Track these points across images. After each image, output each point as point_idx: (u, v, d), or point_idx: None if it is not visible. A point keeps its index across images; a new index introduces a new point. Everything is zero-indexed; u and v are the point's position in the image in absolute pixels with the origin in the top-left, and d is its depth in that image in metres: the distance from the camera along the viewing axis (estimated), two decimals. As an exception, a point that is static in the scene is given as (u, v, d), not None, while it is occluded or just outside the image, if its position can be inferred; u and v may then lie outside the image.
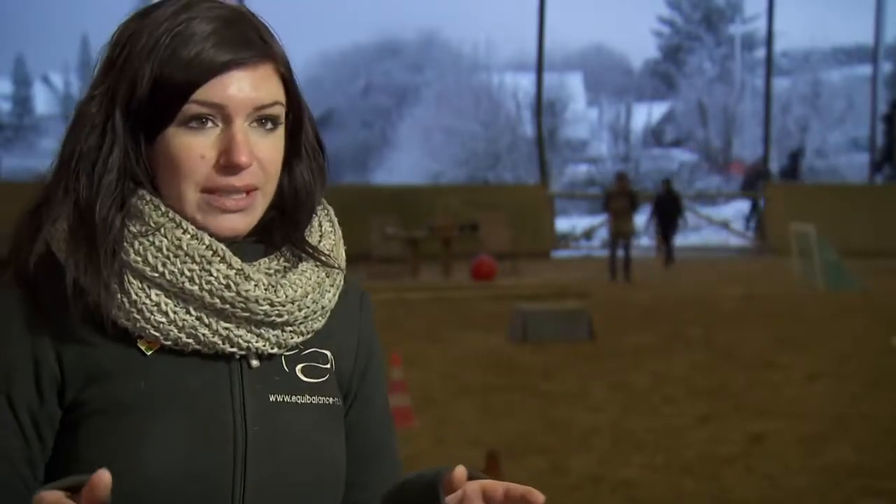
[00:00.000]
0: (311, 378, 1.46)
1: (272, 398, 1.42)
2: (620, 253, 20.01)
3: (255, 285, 1.38)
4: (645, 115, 46.41)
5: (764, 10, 31.61)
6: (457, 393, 9.50)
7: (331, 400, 1.48)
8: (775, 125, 36.42)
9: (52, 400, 1.37)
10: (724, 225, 31.99)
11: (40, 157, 46.46)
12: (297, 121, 1.45)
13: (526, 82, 37.90)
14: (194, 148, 1.38)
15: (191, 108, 1.37)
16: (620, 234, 19.99)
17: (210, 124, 1.38)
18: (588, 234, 31.98)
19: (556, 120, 43.37)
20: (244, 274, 1.39)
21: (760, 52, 40.30)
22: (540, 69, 29.93)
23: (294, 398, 1.44)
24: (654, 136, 46.82)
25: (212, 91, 1.37)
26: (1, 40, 46.29)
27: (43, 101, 50.38)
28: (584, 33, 60.14)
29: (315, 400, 1.45)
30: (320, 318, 1.46)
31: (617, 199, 19.99)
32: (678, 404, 9.03)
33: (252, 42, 1.39)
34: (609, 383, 9.92)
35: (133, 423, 1.35)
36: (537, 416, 8.61)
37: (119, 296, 1.36)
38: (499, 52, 44.63)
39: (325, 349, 1.49)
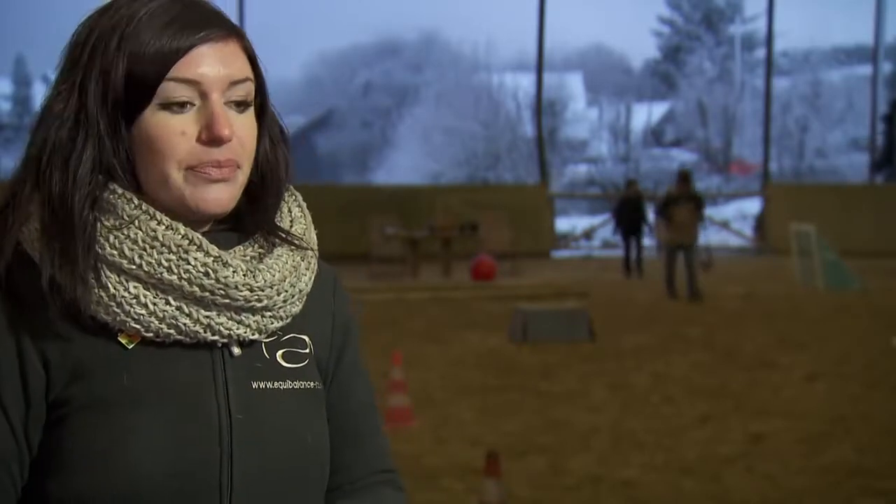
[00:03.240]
0: (291, 363, 1.48)
1: (255, 385, 1.43)
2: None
3: (234, 271, 1.39)
4: (645, 115, 46.44)
5: (764, 10, 31.59)
6: (457, 393, 9.50)
7: (312, 384, 1.49)
8: (775, 125, 36.39)
9: (39, 399, 1.37)
10: (724, 225, 32.00)
11: (40, 157, 46.41)
12: (262, 102, 1.47)
13: (526, 82, 37.91)
14: (174, 126, 1.38)
15: (167, 87, 1.38)
16: (682, 244, 16.74)
17: (188, 103, 1.39)
18: (588, 234, 32.00)
19: (556, 120, 43.39)
20: (222, 261, 1.39)
21: (760, 52, 40.30)
22: (540, 69, 29.93)
23: (276, 384, 1.45)
24: (654, 136, 46.84)
25: (185, 69, 1.38)
26: (1, 40, 46.30)
27: (43, 102, 50.30)
28: (584, 33, 60.10)
29: (297, 385, 1.47)
30: (298, 302, 1.47)
31: (679, 203, 16.81)
32: (678, 404, 9.03)
33: (216, 20, 1.41)
34: (609, 383, 9.91)
35: (118, 419, 1.35)
36: (537, 416, 8.61)
37: (97, 290, 1.36)
38: (499, 53, 44.67)
39: (304, 334, 1.50)
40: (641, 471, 7.01)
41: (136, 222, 1.38)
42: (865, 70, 39.33)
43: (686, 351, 11.71)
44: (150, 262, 1.37)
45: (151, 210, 1.39)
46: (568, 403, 9.07)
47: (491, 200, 25.37)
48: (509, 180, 41.26)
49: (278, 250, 1.46)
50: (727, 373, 10.40)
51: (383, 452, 1.61)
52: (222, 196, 1.40)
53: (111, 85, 1.38)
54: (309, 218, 1.53)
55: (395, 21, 48.46)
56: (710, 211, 34.09)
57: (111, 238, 1.38)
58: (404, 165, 42.36)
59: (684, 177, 17.57)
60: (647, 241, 23.57)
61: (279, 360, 1.47)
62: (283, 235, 1.47)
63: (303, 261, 1.48)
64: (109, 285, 1.37)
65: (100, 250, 1.37)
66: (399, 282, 19.07)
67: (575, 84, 46.57)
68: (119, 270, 1.37)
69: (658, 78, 47.97)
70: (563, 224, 32.32)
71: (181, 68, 1.38)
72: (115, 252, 1.37)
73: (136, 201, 1.39)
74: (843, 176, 41.53)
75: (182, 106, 1.38)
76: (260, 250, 1.46)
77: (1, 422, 1.36)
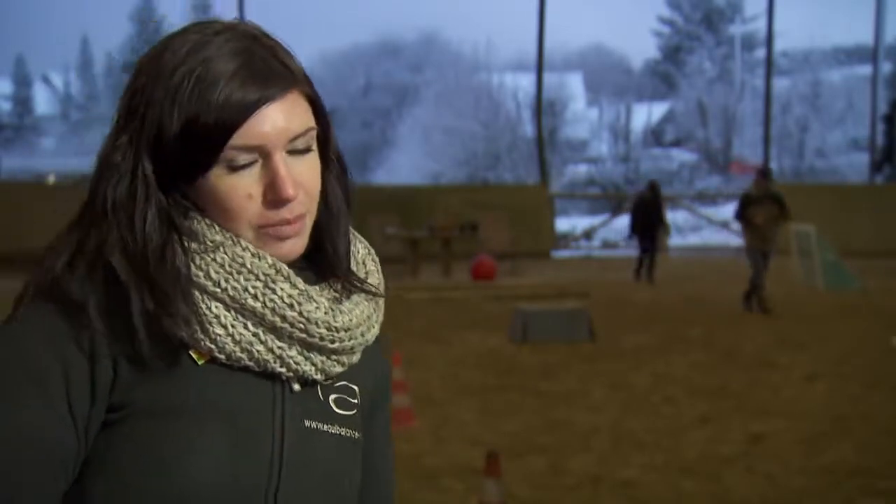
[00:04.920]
0: (342, 410, 1.48)
1: (307, 424, 1.44)
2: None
3: (318, 307, 1.40)
4: (645, 115, 46.48)
5: (764, 10, 31.64)
6: (457, 393, 9.50)
7: (356, 434, 1.49)
8: (775, 125, 36.42)
9: (103, 401, 1.36)
10: (724, 225, 32.00)
11: (40, 157, 46.45)
12: (324, 135, 1.45)
13: (526, 82, 37.93)
14: (240, 188, 1.37)
15: (229, 154, 1.36)
16: (763, 249, 15.20)
17: (251, 163, 1.37)
18: (588, 234, 32.00)
19: (556, 120, 43.43)
20: (307, 294, 1.40)
21: (760, 52, 40.33)
22: (540, 69, 29.94)
23: (326, 427, 1.45)
24: (654, 136, 46.86)
25: (248, 133, 1.35)
26: (1, 40, 46.31)
27: (43, 101, 50.38)
28: (584, 33, 60.14)
29: (343, 432, 1.47)
30: (359, 353, 1.48)
31: (759, 203, 15.06)
32: (678, 404, 9.03)
33: (276, 72, 1.37)
34: (609, 383, 9.91)
35: (177, 430, 1.36)
36: (537, 416, 8.61)
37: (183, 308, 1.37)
38: (499, 53, 44.69)
39: (354, 384, 1.51)
40: (641, 471, 7.01)
41: (222, 248, 1.38)
42: (865, 70, 39.37)
43: (686, 351, 11.71)
44: (236, 287, 1.37)
45: (236, 237, 1.39)
46: (568, 403, 9.08)
47: (491, 200, 25.37)
48: (509, 180, 41.29)
49: (356, 297, 1.47)
50: (727, 373, 10.40)
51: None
52: (294, 248, 1.41)
53: (166, 145, 1.35)
54: (381, 273, 1.55)
55: (395, 21, 48.51)
56: (709, 211, 34.24)
57: (197, 259, 1.38)
58: (404, 165, 42.40)
59: (764, 174, 15.63)
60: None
61: (331, 404, 1.47)
62: (359, 284, 1.48)
63: (374, 312, 1.49)
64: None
65: (184, 270, 1.37)
66: (399, 282, 19.07)
67: (575, 84, 46.60)
68: (202, 290, 1.38)
69: (658, 78, 48.00)
70: (563, 224, 32.32)
71: (243, 135, 1.35)
72: (199, 273, 1.37)
73: (217, 227, 1.39)
74: (843, 176, 41.57)
75: (246, 167, 1.37)
76: (335, 294, 1.46)
77: (67, 422, 1.35)
